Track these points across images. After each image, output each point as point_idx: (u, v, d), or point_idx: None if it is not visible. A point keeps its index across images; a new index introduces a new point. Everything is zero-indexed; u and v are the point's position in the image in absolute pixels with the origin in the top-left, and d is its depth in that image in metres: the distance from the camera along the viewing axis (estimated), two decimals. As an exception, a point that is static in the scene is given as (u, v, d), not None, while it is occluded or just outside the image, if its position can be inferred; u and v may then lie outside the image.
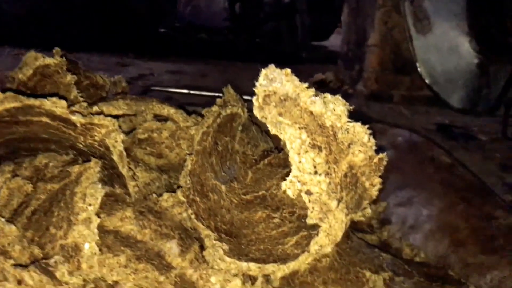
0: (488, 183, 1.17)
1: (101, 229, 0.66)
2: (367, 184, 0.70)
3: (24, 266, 0.55)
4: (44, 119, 0.69)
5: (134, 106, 0.86)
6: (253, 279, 0.68)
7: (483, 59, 1.78)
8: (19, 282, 0.53)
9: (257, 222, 0.76)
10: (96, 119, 0.70)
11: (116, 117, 0.81)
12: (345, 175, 0.67)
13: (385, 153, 0.70)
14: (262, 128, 0.99)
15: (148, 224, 0.70)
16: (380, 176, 0.71)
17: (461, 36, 1.80)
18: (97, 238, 0.62)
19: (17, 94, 0.69)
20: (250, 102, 0.71)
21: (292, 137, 0.67)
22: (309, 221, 0.67)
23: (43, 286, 0.53)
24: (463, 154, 1.47)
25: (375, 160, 0.69)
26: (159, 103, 0.89)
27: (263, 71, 0.68)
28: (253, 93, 0.69)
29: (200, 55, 3.24)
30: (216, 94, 0.93)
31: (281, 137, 0.68)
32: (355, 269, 0.76)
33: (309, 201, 0.67)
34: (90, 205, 0.63)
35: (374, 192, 0.71)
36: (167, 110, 0.88)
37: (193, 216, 0.73)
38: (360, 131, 0.67)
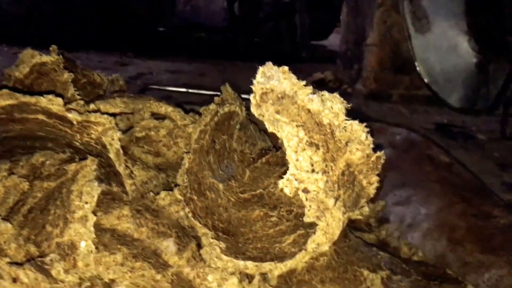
0: (487, 182, 1.17)
1: (98, 227, 0.65)
2: (364, 182, 0.69)
3: (19, 264, 0.55)
4: (40, 116, 0.69)
5: (132, 104, 0.86)
6: (250, 278, 0.67)
7: (482, 59, 1.78)
8: (14, 280, 0.52)
9: (254, 221, 0.75)
10: (93, 117, 0.69)
11: (113, 115, 0.81)
12: (343, 173, 0.67)
13: (382, 152, 0.70)
14: (260, 127, 0.99)
15: (145, 222, 0.70)
16: (377, 175, 0.71)
17: (460, 35, 1.80)
18: (94, 236, 0.61)
19: (13, 91, 0.69)
20: (248, 101, 0.71)
21: (290, 135, 0.67)
22: (306, 219, 0.67)
23: (39, 284, 0.53)
24: (461, 153, 1.47)
25: (373, 158, 0.69)
26: (156, 101, 0.89)
27: (261, 69, 0.68)
28: (251, 92, 0.69)
29: (199, 54, 3.24)
30: (215, 93, 0.93)
31: (279, 135, 0.68)
32: (353, 268, 0.76)
33: (306, 199, 0.66)
34: (86, 203, 0.62)
35: (371, 191, 0.71)
36: (164, 108, 0.88)
37: (190, 215, 0.73)
38: (357, 129, 0.67)
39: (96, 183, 0.64)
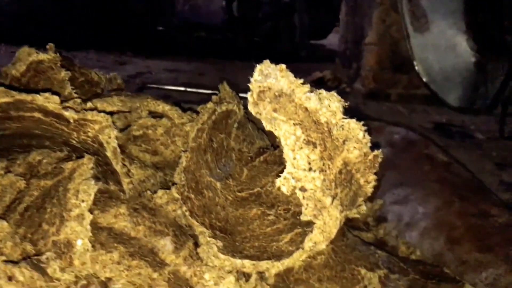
0: (485, 182, 1.18)
1: (95, 225, 0.65)
2: (361, 181, 0.69)
3: (15, 263, 0.55)
4: (37, 114, 0.68)
5: (129, 103, 0.86)
6: (247, 276, 0.67)
7: (481, 58, 1.78)
8: (10, 278, 0.52)
9: (252, 219, 0.75)
10: (89, 115, 0.69)
11: (110, 113, 0.81)
12: (340, 172, 0.67)
13: (380, 150, 0.70)
14: (258, 126, 0.99)
15: (142, 221, 0.70)
16: (375, 173, 0.71)
17: (459, 35, 1.80)
18: (90, 234, 0.61)
19: (10, 89, 0.69)
20: (246, 100, 0.71)
21: (287, 133, 0.67)
22: (303, 217, 0.67)
23: (34, 282, 0.53)
24: (460, 153, 1.47)
25: (370, 157, 0.68)
26: (153, 99, 0.89)
27: (258, 67, 0.68)
28: (249, 90, 0.69)
29: (199, 53, 3.23)
30: (213, 92, 0.92)
31: (276, 133, 0.68)
32: (350, 267, 0.76)
33: (304, 197, 0.66)
34: (83, 201, 0.62)
35: (369, 189, 0.70)
36: (162, 106, 0.87)
37: (187, 213, 0.72)
38: (355, 127, 0.67)
39: (92, 181, 0.64)
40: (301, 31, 3.50)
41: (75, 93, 0.84)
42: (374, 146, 0.70)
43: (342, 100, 0.69)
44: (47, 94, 0.68)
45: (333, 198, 0.66)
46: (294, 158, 0.66)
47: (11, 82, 0.82)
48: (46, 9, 3.19)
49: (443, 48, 1.81)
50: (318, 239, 0.66)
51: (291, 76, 0.67)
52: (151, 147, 0.88)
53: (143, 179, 0.81)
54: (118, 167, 0.73)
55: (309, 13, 3.54)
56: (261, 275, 0.69)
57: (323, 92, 0.68)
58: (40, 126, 0.71)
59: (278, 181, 0.68)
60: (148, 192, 0.76)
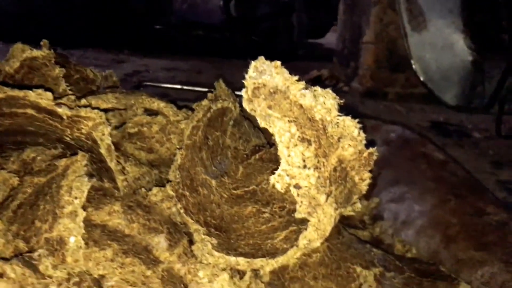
0: (481, 180, 1.18)
1: (88, 223, 0.65)
2: (356, 178, 0.69)
3: (6, 259, 0.54)
4: (30, 111, 0.68)
5: (124, 100, 0.85)
6: (241, 274, 0.67)
7: (478, 57, 1.78)
8: (1, 275, 0.52)
9: (247, 217, 0.75)
10: (83, 112, 0.69)
11: (105, 110, 0.80)
12: (335, 169, 0.67)
13: (375, 148, 0.70)
14: (254, 123, 0.98)
15: (136, 218, 0.70)
16: (370, 171, 0.70)
17: (456, 33, 1.80)
18: (83, 231, 0.61)
19: (2, 86, 0.68)
20: (243, 98, 0.70)
21: (282, 131, 0.66)
22: (298, 215, 0.67)
23: (26, 279, 0.53)
24: (457, 151, 1.47)
25: (365, 154, 0.68)
26: (148, 97, 0.88)
27: (253, 63, 0.67)
28: (244, 87, 0.68)
29: (196, 52, 3.23)
30: (210, 90, 0.92)
31: (270, 130, 0.68)
32: (346, 265, 0.76)
33: (298, 195, 0.66)
34: (76, 198, 0.62)
35: (363, 187, 0.70)
36: (157, 104, 0.87)
37: (182, 211, 0.72)
38: (350, 125, 0.67)
39: (86, 178, 0.64)
40: (299, 30, 3.50)
41: (70, 90, 0.84)
42: (370, 144, 0.70)
43: (337, 97, 0.68)
44: (39, 90, 0.67)
45: (328, 195, 0.66)
46: (289, 155, 0.66)
47: (5, 78, 0.81)
48: (44, 7, 3.18)
49: (441, 46, 1.81)
50: (313, 237, 0.66)
51: (286, 72, 0.67)
52: (146, 145, 0.88)
53: (138, 176, 0.81)
54: (112, 164, 0.73)
55: (307, 12, 3.54)
56: (255, 273, 0.68)
57: (318, 89, 0.68)
58: (33, 123, 0.71)
59: (273, 178, 0.67)
60: (143, 189, 0.75)
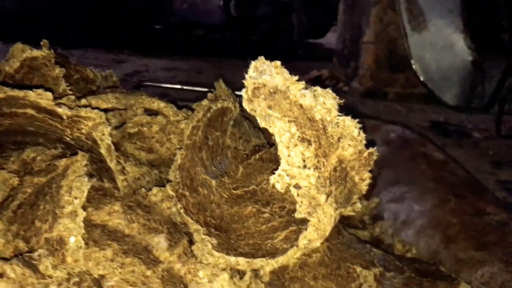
0: (481, 180, 1.18)
1: (88, 223, 0.65)
2: (356, 178, 0.69)
3: (6, 259, 0.54)
4: (29, 111, 0.68)
5: (124, 100, 0.85)
6: (241, 274, 0.67)
7: (478, 57, 1.78)
8: (1, 275, 0.52)
9: (247, 217, 0.75)
10: (83, 112, 0.69)
11: (105, 110, 0.80)
12: (335, 169, 0.67)
13: (375, 148, 0.69)
14: (254, 124, 0.98)
15: (137, 218, 0.70)
16: (370, 171, 0.70)
17: (456, 33, 1.80)
18: (83, 231, 0.61)
19: (2, 86, 0.68)
20: (242, 98, 0.70)
21: (282, 131, 0.66)
22: (298, 215, 0.67)
23: (26, 279, 0.53)
24: (457, 151, 1.47)
25: (365, 154, 0.68)
26: (148, 97, 0.88)
27: (253, 63, 0.67)
28: (244, 87, 0.68)
29: (196, 52, 3.23)
30: (210, 90, 0.92)
31: (270, 130, 0.68)
32: (346, 265, 0.76)
33: (298, 195, 0.66)
34: (76, 198, 0.62)
35: (363, 187, 0.70)
36: (157, 104, 0.87)
37: (182, 211, 0.72)
38: (350, 125, 0.67)
39: (86, 178, 0.64)
40: (299, 30, 3.50)
41: (70, 90, 0.84)
42: (370, 144, 0.70)
43: (337, 97, 0.68)
44: (39, 90, 0.67)
45: (328, 195, 0.66)
46: (289, 155, 0.66)
47: (5, 78, 0.81)
48: (44, 7, 3.18)
49: (441, 46, 1.81)
50: (313, 237, 0.66)
51: (286, 72, 0.67)
52: (146, 145, 0.88)
53: (138, 176, 0.81)
54: (112, 164, 0.73)
55: (307, 12, 3.54)
56: (255, 273, 0.68)
57: (318, 89, 0.68)
58: (33, 123, 0.71)
59: (272, 178, 0.67)
60: (143, 189, 0.75)
